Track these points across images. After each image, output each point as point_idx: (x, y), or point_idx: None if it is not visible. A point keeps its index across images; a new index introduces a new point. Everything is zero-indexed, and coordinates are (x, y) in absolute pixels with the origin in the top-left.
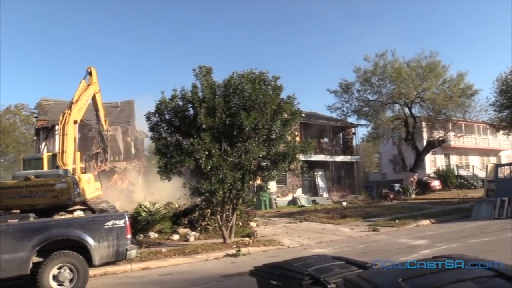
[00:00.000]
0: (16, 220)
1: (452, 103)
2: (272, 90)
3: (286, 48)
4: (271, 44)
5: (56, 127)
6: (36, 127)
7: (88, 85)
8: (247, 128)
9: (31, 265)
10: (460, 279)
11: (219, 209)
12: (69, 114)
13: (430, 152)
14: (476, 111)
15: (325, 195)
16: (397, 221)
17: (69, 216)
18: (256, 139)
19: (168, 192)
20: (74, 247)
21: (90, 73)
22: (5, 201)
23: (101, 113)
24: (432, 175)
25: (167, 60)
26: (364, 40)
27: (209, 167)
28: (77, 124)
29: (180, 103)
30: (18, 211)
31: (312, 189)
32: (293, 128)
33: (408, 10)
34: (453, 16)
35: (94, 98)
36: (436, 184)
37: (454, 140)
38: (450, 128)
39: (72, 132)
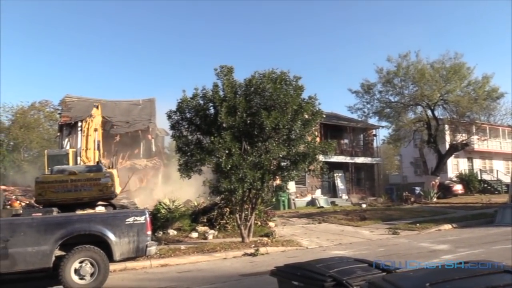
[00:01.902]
0: (40, 214)
1: (477, 106)
2: (293, 90)
3: (307, 48)
4: (292, 44)
5: (79, 124)
6: (60, 123)
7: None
8: (267, 128)
9: (53, 258)
10: (490, 286)
11: (238, 208)
12: (91, 121)
13: (453, 155)
14: (501, 115)
15: (344, 196)
16: (418, 224)
17: (91, 211)
18: (276, 139)
19: (188, 190)
20: (95, 242)
21: (97, 107)
22: (48, 195)
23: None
24: (454, 179)
25: (182, 64)
26: (387, 41)
27: (229, 166)
28: (97, 132)
29: (201, 102)
30: (41, 206)
31: (331, 190)
32: (314, 128)
33: (432, 10)
34: (478, 18)
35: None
36: (458, 188)
37: (478, 144)
38: (474, 131)
39: (93, 135)
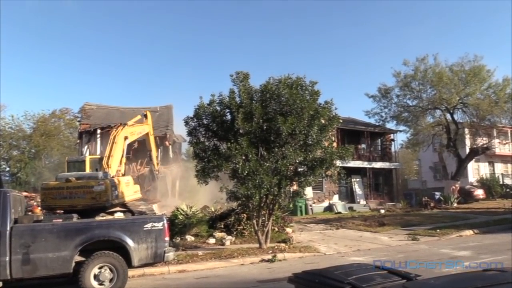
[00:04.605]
0: (60, 220)
1: (498, 109)
2: (309, 95)
3: (323, 52)
4: (308, 48)
5: (98, 131)
6: (79, 130)
7: (142, 124)
8: (284, 133)
9: (73, 264)
10: None
11: (255, 214)
12: (122, 129)
13: (473, 159)
14: None
15: (362, 202)
16: (438, 230)
17: (110, 217)
18: (293, 145)
19: (205, 196)
20: (114, 247)
21: (145, 116)
22: (48, 201)
23: (154, 154)
24: (475, 184)
25: (196, 68)
26: (405, 44)
27: (246, 172)
28: (127, 140)
29: (218, 108)
30: (62, 211)
31: (349, 196)
32: (330, 133)
33: (452, 12)
34: (498, 19)
35: (148, 139)
36: (479, 193)
37: (499, 147)
38: (495, 134)
39: (121, 143)
